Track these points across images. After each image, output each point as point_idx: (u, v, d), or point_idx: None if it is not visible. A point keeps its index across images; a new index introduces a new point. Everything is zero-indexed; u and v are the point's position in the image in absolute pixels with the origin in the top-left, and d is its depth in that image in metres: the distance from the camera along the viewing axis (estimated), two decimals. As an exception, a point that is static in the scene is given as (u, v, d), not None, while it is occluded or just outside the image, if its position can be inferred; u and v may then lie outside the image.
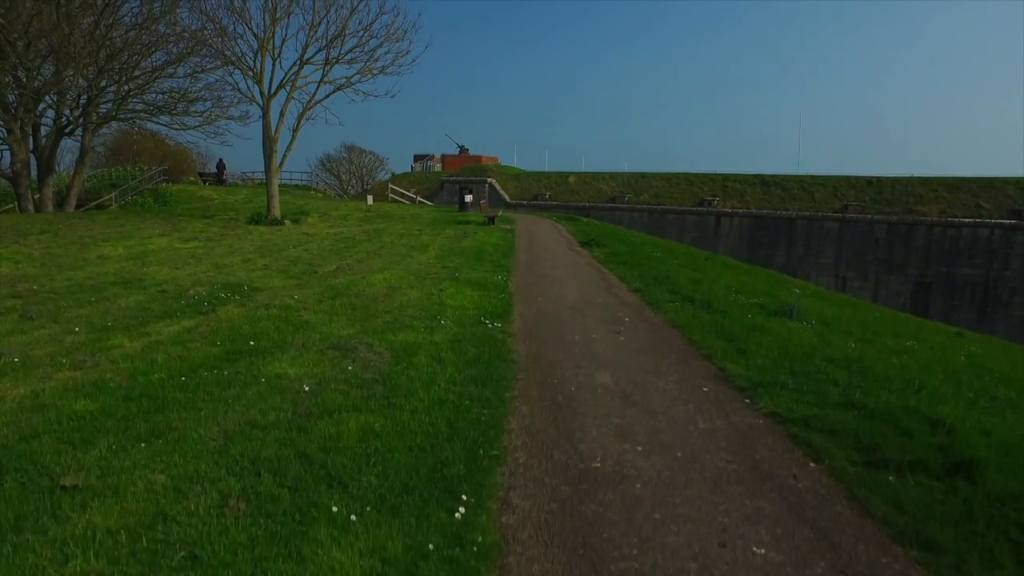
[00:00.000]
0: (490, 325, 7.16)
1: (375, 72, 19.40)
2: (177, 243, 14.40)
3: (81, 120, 23.01)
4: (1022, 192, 32.27)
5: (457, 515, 3.23)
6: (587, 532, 3.21)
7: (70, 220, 17.43)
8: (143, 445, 3.85)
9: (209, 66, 22.45)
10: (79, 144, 24.08)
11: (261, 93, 18.75)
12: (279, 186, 21.11)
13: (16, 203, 22.36)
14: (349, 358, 5.59)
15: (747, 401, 5.10)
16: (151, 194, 30.43)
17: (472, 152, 55.76)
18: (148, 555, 2.76)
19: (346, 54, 19.00)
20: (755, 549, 3.07)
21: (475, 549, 2.93)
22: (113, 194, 28.51)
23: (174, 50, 22.14)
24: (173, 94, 23.79)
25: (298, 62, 18.81)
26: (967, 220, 31.44)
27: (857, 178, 36.70)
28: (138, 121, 26.80)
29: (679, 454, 4.12)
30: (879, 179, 36.05)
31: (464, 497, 3.39)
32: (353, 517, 3.14)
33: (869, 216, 33.72)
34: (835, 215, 34.56)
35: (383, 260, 12.55)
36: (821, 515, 3.42)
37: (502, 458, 3.95)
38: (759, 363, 5.95)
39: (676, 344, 6.80)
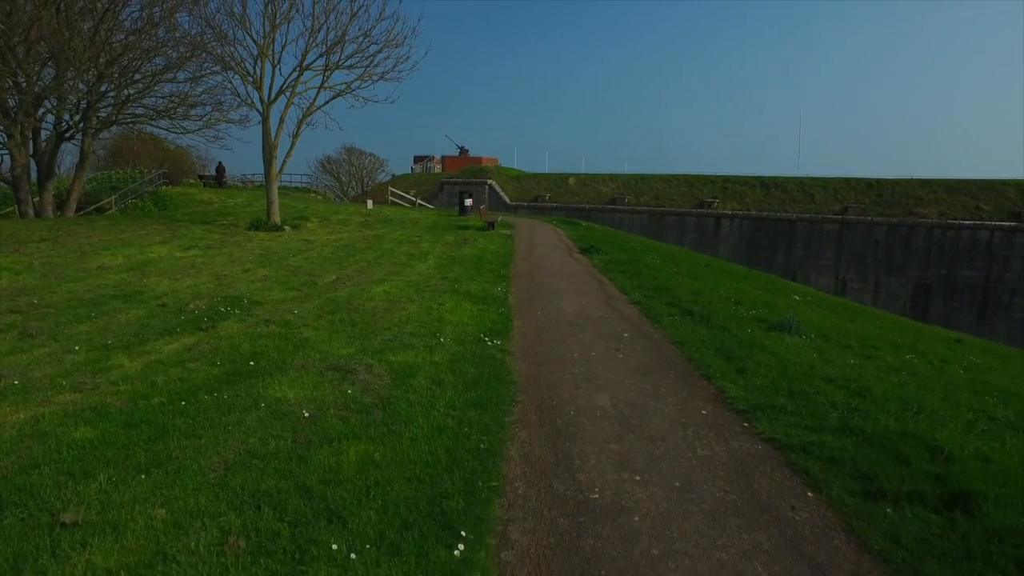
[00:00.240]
0: (489, 343, 7.17)
1: (375, 78, 19.39)
2: (177, 251, 14.41)
3: (81, 124, 23.00)
4: (1022, 194, 32.27)
5: (456, 552, 3.24)
6: (585, 569, 3.22)
7: (70, 226, 17.43)
8: (143, 477, 3.86)
9: (209, 71, 22.49)
10: (79, 148, 24.08)
11: (261, 99, 18.75)
12: (279, 190, 21.10)
13: (16, 207, 22.38)
14: (349, 380, 5.60)
15: (746, 425, 5.11)
16: (151, 197, 30.47)
17: (472, 153, 55.81)
18: (148, 600, 2.77)
19: (346, 60, 18.99)
20: (753, 589, 3.08)
21: (474, 590, 2.94)
22: (113, 197, 28.55)
23: (174, 55, 22.14)
24: (173, 98, 23.81)
25: (298, 68, 18.80)
26: (967, 222, 31.46)
27: (857, 180, 36.72)
28: (138, 125, 26.81)
29: (677, 484, 4.13)
30: (879, 181, 36.07)
31: (463, 533, 3.40)
32: (353, 555, 3.15)
33: (869, 218, 33.75)
34: (835, 217, 34.58)
35: (383, 270, 12.55)
36: (819, 550, 3.43)
37: (501, 489, 3.96)
38: (758, 384, 5.96)
39: (675, 362, 6.80)
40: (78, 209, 24.84)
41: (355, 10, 18.62)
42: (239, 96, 22.74)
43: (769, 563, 3.30)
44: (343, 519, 3.47)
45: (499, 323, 8.19)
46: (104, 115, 23.88)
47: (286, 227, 19.72)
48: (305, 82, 19.08)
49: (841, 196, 35.94)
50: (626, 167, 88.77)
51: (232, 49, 18.37)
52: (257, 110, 18.95)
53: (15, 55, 19.18)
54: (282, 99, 19.06)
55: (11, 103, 20.46)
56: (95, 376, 5.73)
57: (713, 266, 19.28)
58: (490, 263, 14.00)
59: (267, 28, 18.16)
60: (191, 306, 8.57)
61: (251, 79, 18.70)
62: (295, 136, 19.47)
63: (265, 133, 19.05)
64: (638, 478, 4.18)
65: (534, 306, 9.69)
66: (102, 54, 20.49)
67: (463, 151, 56.61)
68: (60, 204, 23.89)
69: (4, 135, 20.90)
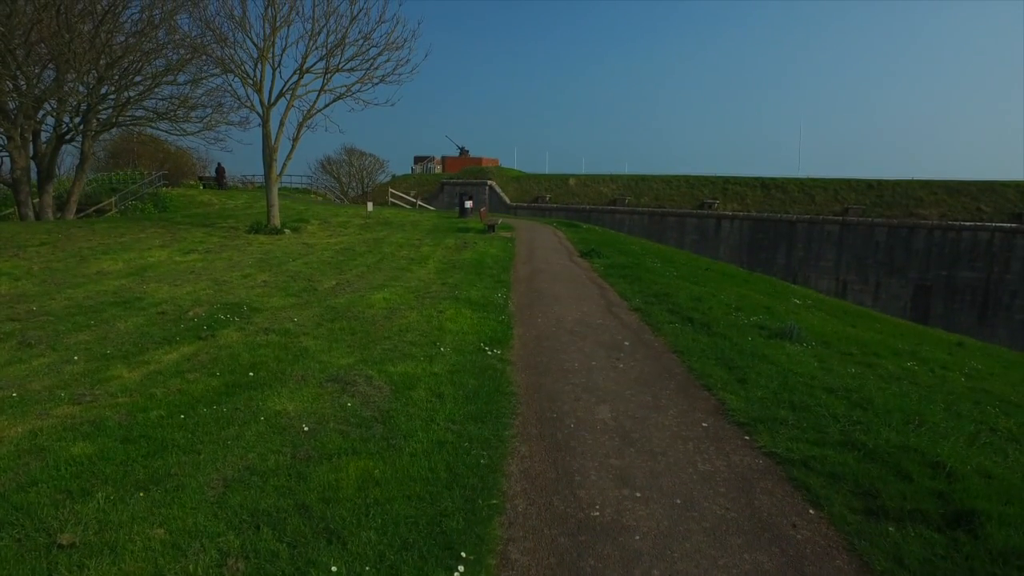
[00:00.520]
0: (489, 352, 7.14)
1: (375, 81, 19.35)
2: (177, 255, 14.38)
3: (81, 127, 23.00)
4: (1022, 195, 32.25)
5: (456, 574, 3.22)
6: (586, 592, 3.20)
7: (70, 229, 17.40)
8: (142, 494, 3.84)
9: (209, 73, 22.49)
10: (79, 149, 24.07)
11: (261, 102, 18.70)
12: (279, 192, 21.07)
13: (16, 209, 22.38)
14: (348, 392, 5.58)
15: (747, 438, 5.09)
16: (151, 199, 30.47)
17: (472, 154, 55.79)
18: (146, 627, 2.75)
19: (346, 63, 18.95)
20: (754, 613, 3.06)
21: (474, 617, 2.92)
22: (113, 199, 28.54)
23: (174, 57, 22.13)
24: (173, 100, 23.80)
25: (298, 71, 18.75)
26: (967, 223, 31.44)
27: (858, 181, 36.70)
28: (138, 127, 26.81)
29: (678, 500, 4.11)
30: (879, 182, 36.05)
31: (463, 554, 3.39)
32: (352, 578, 3.13)
33: (870, 219, 33.73)
34: (835, 218, 34.56)
35: (383, 275, 12.53)
36: (821, 570, 3.41)
37: (501, 507, 3.94)
38: (759, 395, 5.94)
39: (676, 372, 6.78)
40: (78, 211, 24.84)
41: (355, 13, 18.60)
42: (239, 99, 22.82)
43: (771, 585, 3.28)
44: (342, 539, 3.45)
45: (499, 331, 8.17)
46: (104, 117, 23.88)
47: (286, 230, 19.70)
48: (305, 85, 19.06)
49: (841, 197, 35.92)
50: (626, 168, 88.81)
51: (232, 52, 18.35)
52: (257, 113, 18.92)
53: (15, 57, 19.17)
54: (282, 102, 19.05)
55: (11, 105, 20.44)
56: (94, 388, 5.71)
57: (713, 269, 19.25)
58: (490, 268, 13.98)
59: (267, 31, 18.13)
60: (190, 313, 8.55)
61: (251, 82, 18.67)
62: (295, 139, 19.44)
63: (265, 136, 19.03)
64: (639, 495, 4.16)
65: (534, 313, 9.67)
66: (102, 56, 20.48)
67: (463, 151, 56.58)
68: (60, 206, 23.89)
69: (4, 137, 20.89)
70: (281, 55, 18.72)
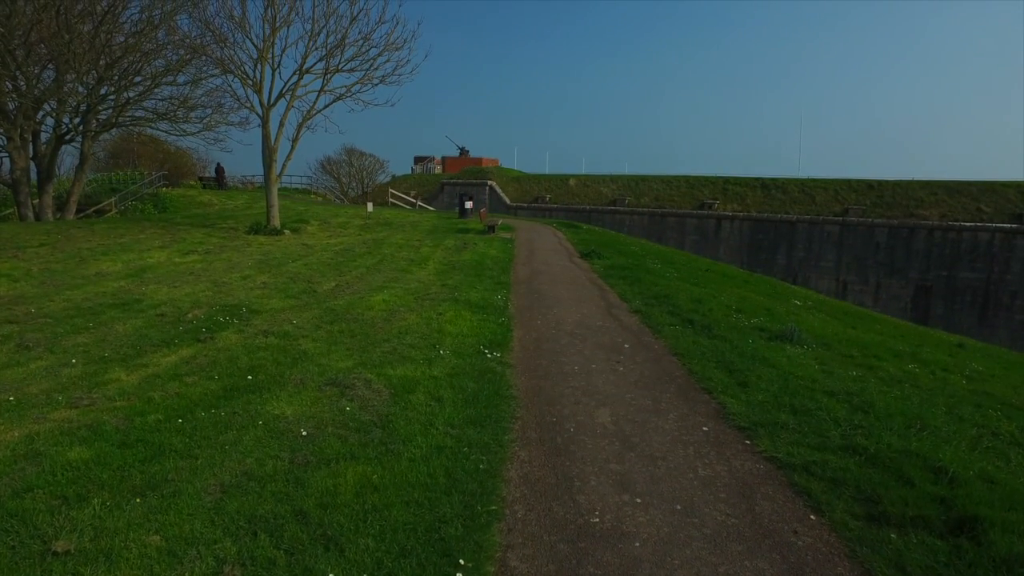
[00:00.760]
0: (489, 355, 7.12)
1: (375, 81, 19.32)
2: (176, 257, 14.36)
3: (81, 127, 22.98)
4: (1023, 196, 32.20)
5: (454, 582, 3.20)
6: (586, 600, 3.17)
7: (69, 230, 17.39)
8: (138, 500, 3.81)
9: (209, 74, 22.47)
10: (79, 150, 24.05)
11: (260, 103, 18.68)
12: (279, 192, 21.05)
13: (16, 210, 22.37)
14: (347, 396, 5.55)
15: (747, 443, 5.06)
16: (151, 199, 30.46)
17: (472, 154, 55.77)
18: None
19: (346, 63, 18.93)
20: (756, 622, 3.03)
21: (472, 626, 2.89)
22: (113, 199, 28.53)
23: (173, 57, 22.12)
24: (173, 101, 23.79)
25: (297, 71, 18.73)
26: (968, 224, 31.39)
27: (858, 181, 36.65)
28: (138, 127, 26.80)
29: (678, 506, 4.08)
30: (880, 182, 36.00)
31: (462, 561, 3.36)
32: (349, 586, 3.11)
33: (870, 219, 33.68)
34: (836, 218, 34.52)
35: (382, 276, 12.50)
36: (822, 578, 3.39)
37: (500, 513, 3.91)
38: (759, 399, 5.91)
39: (676, 375, 6.75)
40: (78, 211, 24.83)
41: (355, 14, 18.57)
42: (239, 99, 22.81)
43: (772, 593, 3.25)
44: (340, 546, 3.43)
45: (499, 334, 8.14)
46: (104, 117, 23.87)
47: (286, 231, 19.67)
48: (305, 86, 19.04)
49: (842, 197, 35.88)
50: (626, 168, 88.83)
51: (232, 52, 18.32)
52: (257, 113, 18.90)
53: (15, 58, 19.15)
54: (282, 102, 19.03)
55: (11, 106, 20.43)
56: (91, 391, 5.68)
57: (713, 270, 19.22)
58: (490, 269, 13.95)
59: (267, 31, 18.10)
60: (189, 315, 8.52)
61: (251, 82, 18.64)
62: (295, 139, 19.42)
63: (265, 137, 19.00)
64: (639, 500, 4.13)
65: (534, 315, 9.64)
66: (102, 57, 20.46)
67: (463, 152, 56.56)
68: (60, 206, 23.88)
69: (4, 138, 20.87)
70: (281, 56, 18.71)
